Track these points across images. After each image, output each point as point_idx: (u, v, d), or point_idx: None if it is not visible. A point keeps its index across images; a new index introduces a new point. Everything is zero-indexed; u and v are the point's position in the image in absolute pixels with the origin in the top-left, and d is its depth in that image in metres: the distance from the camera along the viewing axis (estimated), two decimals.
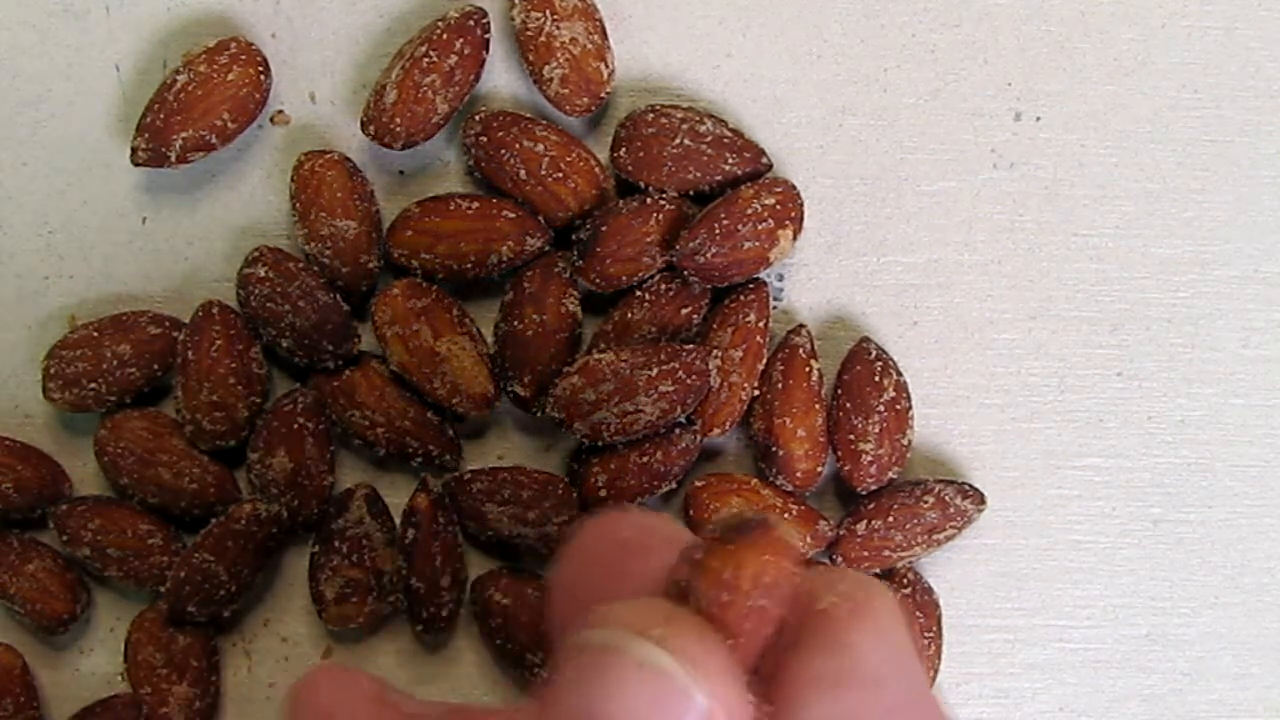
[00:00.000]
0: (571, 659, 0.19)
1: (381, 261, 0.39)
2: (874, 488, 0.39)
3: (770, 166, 0.39)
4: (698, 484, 0.39)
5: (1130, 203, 0.40)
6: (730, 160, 0.38)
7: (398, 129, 0.38)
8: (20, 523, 0.39)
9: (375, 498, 0.39)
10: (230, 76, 0.38)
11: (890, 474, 0.39)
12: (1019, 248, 0.40)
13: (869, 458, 0.38)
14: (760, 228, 0.38)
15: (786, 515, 0.38)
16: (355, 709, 0.23)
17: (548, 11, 0.38)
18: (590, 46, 0.38)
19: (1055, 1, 0.40)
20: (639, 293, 0.38)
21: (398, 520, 0.39)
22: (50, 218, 0.40)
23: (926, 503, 0.38)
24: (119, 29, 0.40)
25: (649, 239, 0.38)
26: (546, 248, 0.39)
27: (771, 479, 0.39)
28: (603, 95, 0.39)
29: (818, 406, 0.39)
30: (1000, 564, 0.40)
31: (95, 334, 0.38)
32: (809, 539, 0.38)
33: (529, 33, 0.38)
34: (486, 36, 0.38)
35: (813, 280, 0.40)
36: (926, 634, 0.39)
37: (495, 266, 0.38)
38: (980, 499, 0.39)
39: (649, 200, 0.38)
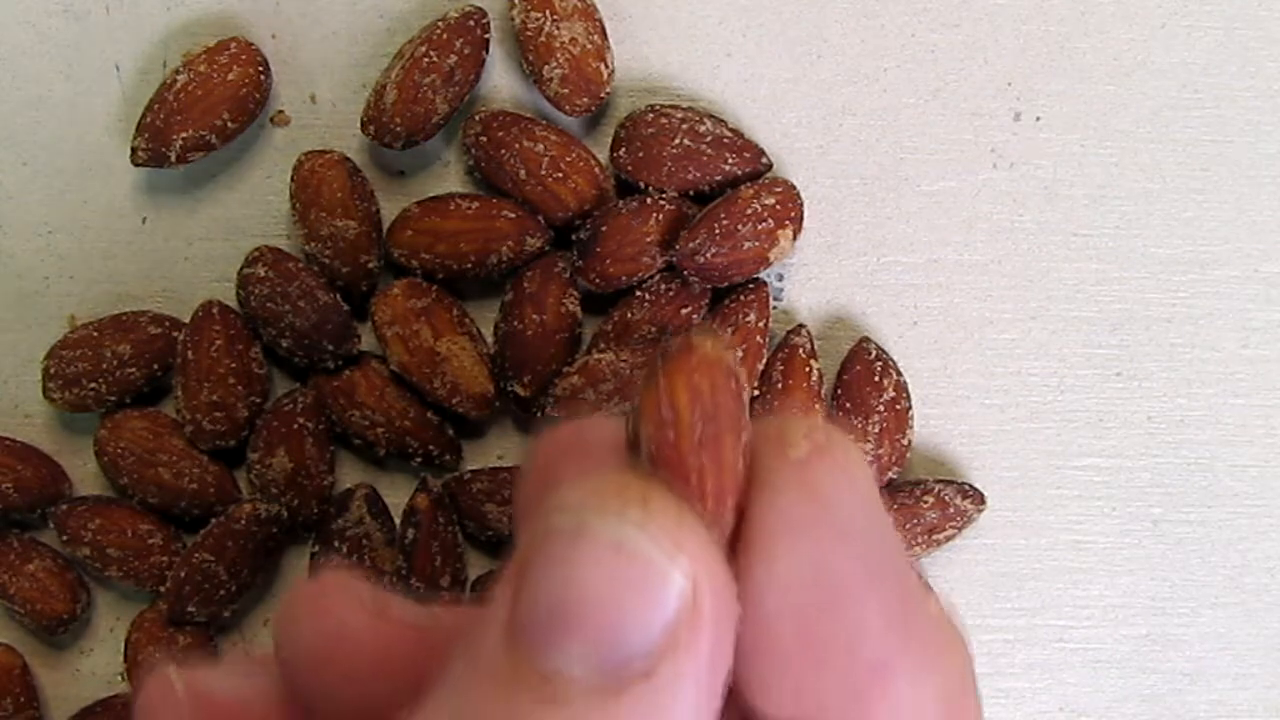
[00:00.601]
0: (541, 543, 0.18)
1: (381, 261, 0.39)
2: None
3: (770, 166, 0.39)
4: None
5: (1130, 203, 0.40)
6: (730, 160, 0.38)
7: (398, 129, 0.38)
8: (20, 523, 0.39)
9: (375, 498, 0.39)
10: (230, 76, 0.38)
11: (890, 474, 0.39)
12: (1019, 248, 0.40)
13: (869, 458, 0.38)
14: (760, 228, 0.38)
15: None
16: (353, 623, 0.22)
17: (548, 11, 0.38)
18: (590, 46, 0.38)
19: (1055, 1, 0.40)
20: (639, 293, 0.38)
21: (398, 520, 0.39)
22: (50, 218, 0.40)
23: (926, 503, 0.38)
24: (119, 29, 0.40)
25: (649, 239, 0.38)
26: (546, 248, 0.39)
27: None
28: (603, 95, 0.39)
29: (818, 406, 0.39)
30: (1000, 564, 0.40)
31: (95, 334, 0.38)
32: None
33: (529, 33, 0.38)
34: (486, 36, 0.38)
35: (813, 280, 0.40)
36: None
37: (495, 266, 0.38)
38: (980, 499, 0.39)
39: (649, 200, 0.38)
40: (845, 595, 0.19)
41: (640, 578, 0.18)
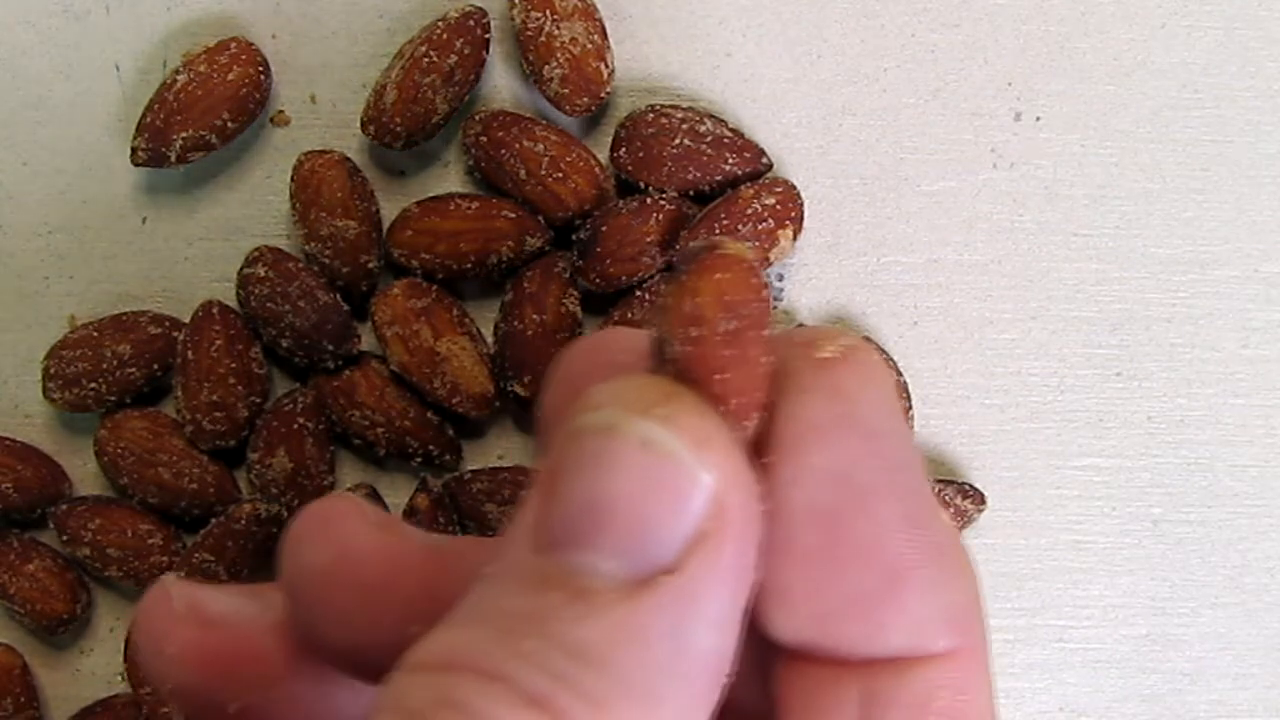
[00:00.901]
0: (569, 445, 0.19)
1: (381, 261, 0.39)
2: None
3: (770, 166, 0.39)
4: None
5: (1130, 203, 0.40)
6: (730, 160, 0.38)
7: (398, 129, 0.38)
8: (20, 523, 0.39)
9: (375, 498, 0.39)
10: (230, 76, 0.38)
11: None
12: (1019, 248, 0.40)
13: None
14: (760, 228, 0.38)
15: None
16: (362, 541, 0.22)
17: (548, 11, 0.38)
18: (590, 46, 0.38)
19: (1055, 1, 0.40)
20: (639, 293, 0.38)
21: None
22: (50, 218, 0.40)
23: None
24: (119, 29, 0.40)
25: (649, 239, 0.38)
26: (546, 248, 0.39)
27: None
28: (603, 95, 0.39)
29: None
30: (1000, 564, 0.40)
31: (95, 334, 0.38)
32: None
33: (529, 33, 0.38)
34: (486, 36, 0.38)
35: (813, 280, 0.40)
36: None
37: (495, 266, 0.38)
38: (980, 499, 0.39)
39: (649, 200, 0.38)
40: (867, 496, 0.19)
41: (668, 474, 0.18)
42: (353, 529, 0.22)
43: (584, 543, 0.18)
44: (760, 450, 0.19)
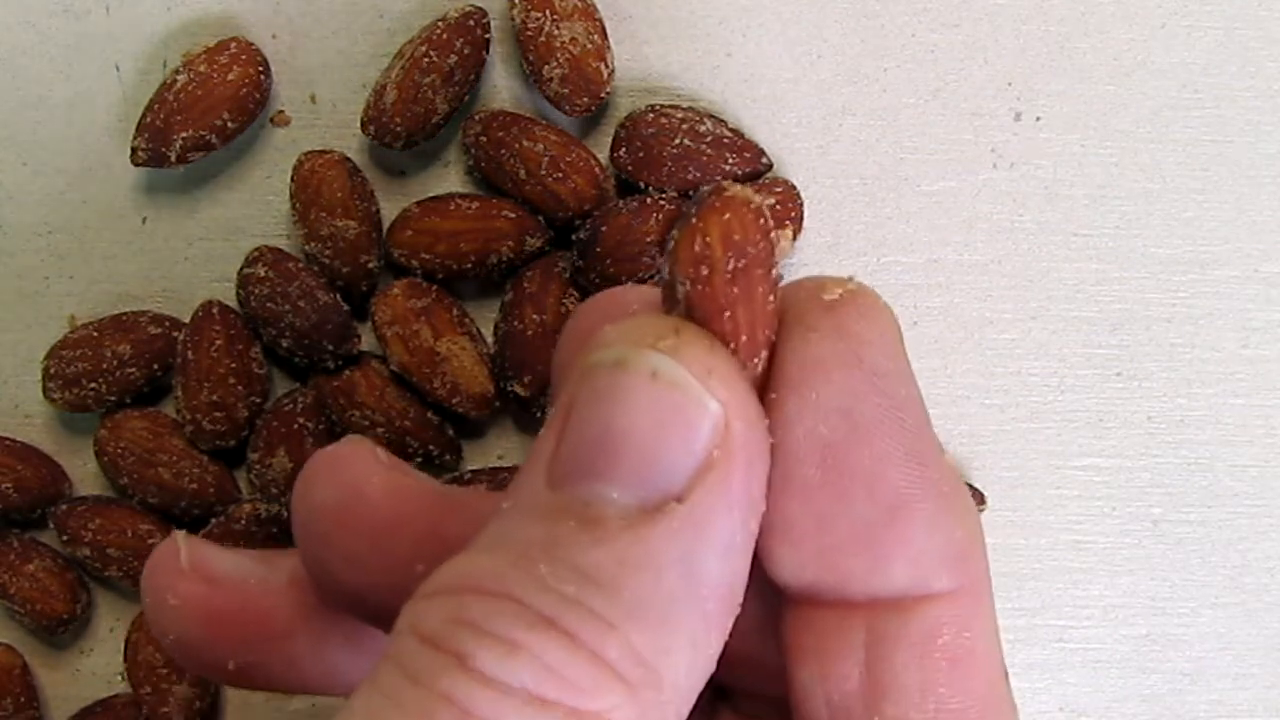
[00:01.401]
0: (581, 381, 0.19)
1: (381, 261, 0.39)
2: None
3: (770, 166, 0.39)
4: None
5: (1130, 203, 0.40)
6: (730, 160, 0.38)
7: (398, 129, 0.38)
8: (20, 523, 0.39)
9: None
10: (230, 76, 0.38)
11: None
12: (1019, 248, 0.40)
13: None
14: None
15: None
16: (372, 481, 0.23)
17: (548, 11, 0.38)
18: (590, 46, 0.38)
19: (1055, 1, 0.40)
20: None
21: None
22: (50, 218, 0.40)
23: None
24: (119, 29, 0.40)
25: (649, 239, 0.38)
26: (546, 248, 0.39)
27: None
28: (603, 95, 0.39)
29: None
30: (1000, 564, 0.40)
31: (95, 334, 0.38)
32: None
33: (529, 33, 0.38)
34: (486, 36, 0.38)
35: None
36: None
37: (495, 266, 0.38)
38: (980, 499, 0.39)
39: (649, 200, 0.38)
40: (871, 430, 0.19)
41: (675, 403, 0.19)
42: (363, 470, 0.23)
43: (596, 474, 0.19)
44: (766, 388, 0.20)
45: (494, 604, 0.18)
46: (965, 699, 0.20)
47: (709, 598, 0.19)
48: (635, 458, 0.19)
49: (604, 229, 0.38)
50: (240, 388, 0.38)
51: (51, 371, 0.38)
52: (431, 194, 0.39)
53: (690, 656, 0.19)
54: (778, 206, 0.38)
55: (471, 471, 0.39)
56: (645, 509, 0.18)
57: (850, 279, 0.21)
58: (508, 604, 0.18)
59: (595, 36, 0.38)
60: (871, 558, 0.20)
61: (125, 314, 0.39)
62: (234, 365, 0.38)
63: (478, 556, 0.19)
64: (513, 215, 0.38)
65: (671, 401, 0.19)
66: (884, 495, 0.20)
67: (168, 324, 0.39)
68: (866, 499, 0.20)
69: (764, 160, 0.39)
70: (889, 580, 0.20)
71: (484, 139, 0.38)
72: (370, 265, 0.39)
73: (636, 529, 0.18)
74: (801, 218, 0.39)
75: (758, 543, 0.20)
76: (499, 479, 0.38)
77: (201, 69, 0.38)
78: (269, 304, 0.38)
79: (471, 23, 0.38)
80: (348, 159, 0.39)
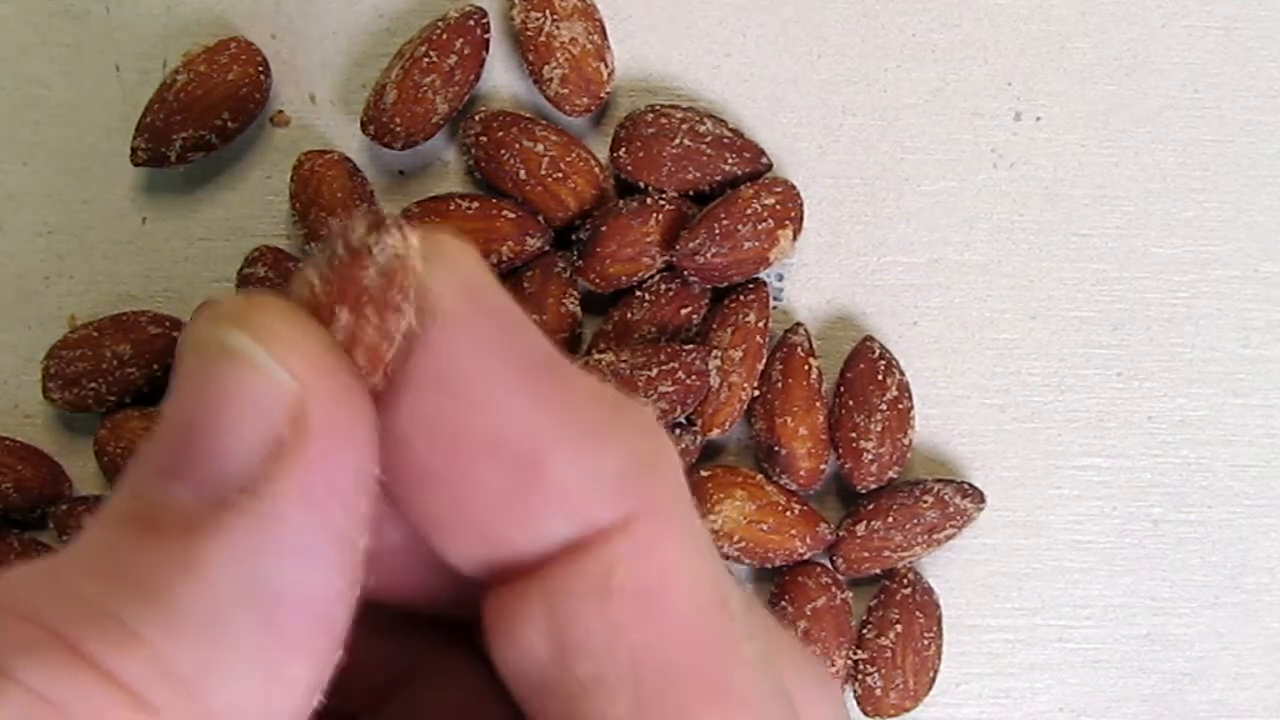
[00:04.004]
0: (174, 369, 0.17)
1: None
2: (874, 486, 0.39)
3: (770, 166, 0.39)
4: (703, 473, 0.39)
5: (1130, 203, 0.40)
6: (730, 160, 0.38)
7: (398, 129, 0.38)
8: (20, 523, 0.39)
9: None
10: (230, 76, 0.38)
11: (891, 473, 0.39)
12: (1019, 248, 0.40)
13: (870, 456, 0.38)
14: (760, 228, 0.38)
15: (788, 514, 0.38)
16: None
17: (548, 11, 0.38)
18: (590, 46, 0.38)
19: (1055, 1, 0.40)
20: (639, 293, 0.38)
21: None
22: (50, 218, 0.40)
23: (926, 502, 0.38)
24: (119, 29, 0.40)
25: (649, 239, 0.38)
26: (546, 248, 0.39)
27: (775, 479, 0.39)
28: (603, 95, 0.39)
29: (818, 405, 0.39)
30: (1000, 564, 0.40)
31: (95, 334, 0.38)
32: (809, 540, 0.38)
33: (529, 33, 0.38)
34: (486, 36, 0.38)
35: (813, 280, 0.40)
36: (926, 634, 0.39)
37: (495, 266, 0.38)
38: (980, 499, 0.39)
39: (649, 200, 0.38)
40: (472, 387, 0.17)
41: (237, 379, 0.16)
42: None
43: (156, 469, 0.16)
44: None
45: (18, 637, 0.15)
46: (664, 640, 0.17)
47: (284, 609, 0.16)
48: (198, 446, 0.16)
49: (604, 229, 0.38)
50: None
51: (51, 371, 0.38)
52: (431, 194, 0.39)
53: (259, 680, 0.16)
54: (778, 206, 0.38)
55: None
56: (209, 504, 0.16)
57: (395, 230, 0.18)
58: (20, 625, 0.15)
59: (595, 36, 0.38)
60: (519, 515, 0.17)
61: (125, 314, 0.39)
62: None
63: (20, 572, 0.16)
64: (513, 215, 0.38)
65: (238, 380, 0.16)
66: (510, 450, 0.17)
67: (168, 324, 0.39)
68: (492, 462, 0.17)
69: (764, 160, 0.39)
70: (548, 532, 0.17)
71: (484, 139, 0.38)
72: None
73: (197, 529, 0.16)
74: (801, 218, 0.39)
75: (422, 532, 0.18)
76: None
77: (201, 69, 0.38)
78: None
79: (471, 23, 0.38)
80: (348, 159, 0.39)
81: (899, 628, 0.38)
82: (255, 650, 0.16)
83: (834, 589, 0.39)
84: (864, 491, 0.39)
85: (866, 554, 0.39)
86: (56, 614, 0.15)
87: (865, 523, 0.38)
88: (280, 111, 0.40)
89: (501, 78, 0.40)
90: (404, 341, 0.17)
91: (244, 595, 0.16)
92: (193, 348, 0.17)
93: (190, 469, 0.16)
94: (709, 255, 0.37)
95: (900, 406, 0.39)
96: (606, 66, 0.39)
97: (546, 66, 0.38)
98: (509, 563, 0.17)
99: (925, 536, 0.39)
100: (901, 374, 0.39)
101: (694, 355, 0.37)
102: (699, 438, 0.38)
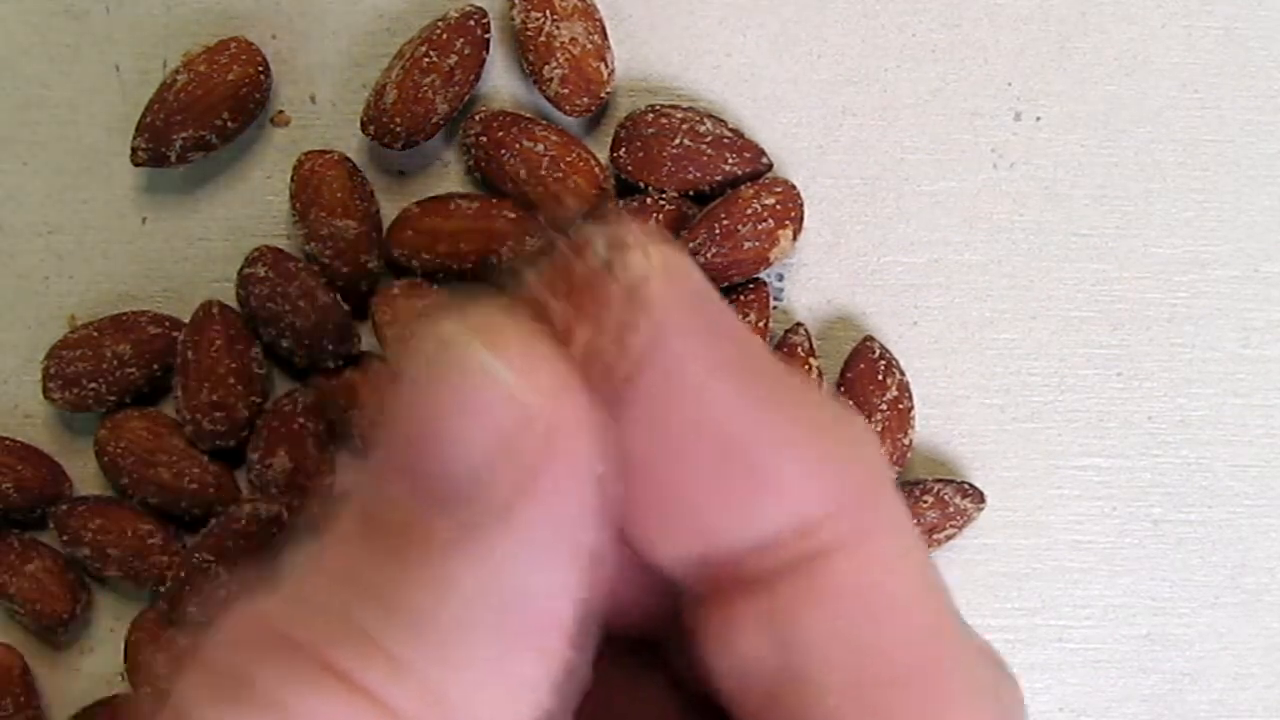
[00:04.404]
0: (402, 386, 0.17)
1: (381, 261, 0.39)
2: None
3: (770, 166, 0.39)
4: None
5: (1130, 203, 0.40)
6: (730, 160, 0.38)
7: (398, 129, 0.38)
8: (20, 523, 0.39)
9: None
10: (230, 76, 0.38)
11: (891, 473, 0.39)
12: (1019, 248, 0.40)
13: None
14: (760, 228, 0.38)
15: None
16: None
17: (548, 11, 0.38)
18: (590, 46, 0.38)
19: (1055, 1, 0.40)
20: None
21: None
22: (50, 218, 0.40)
23: (926, 502, 0.38)
24: (119, 29, 0.40)
25: None
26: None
27: None
28: (603, 95, 0.39)
29: None
30: (1000, 564, 0.40)
31: (95, 334, 0.38)
32: None
33: (529, 33, 0.38)
34: (486, 36, 0.38)
35: (813, 280, 0.40)
36: None
37: (495, 267, 0.38)
38: (980, 499, 0.39)
39: (649, 200, 0.38)
40: (701, 395, 0.17)
41: (489, 399, 0.16)
42: None
43: (410, 488, 0.17)
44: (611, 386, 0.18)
45: (277, 653, 0.16)
46: (888, 639, 0.18)
47: (527, 624, 0.17)
48: (445, 466, 0.16)
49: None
50: (240, 388, 0.38)
51: (51, 371, 0.38)
52: (431, 194, 0.39)
53: (502, 694, 0.16)
54: (778, 206, 0.38)
55: None
56: (458, 525, 0.16)
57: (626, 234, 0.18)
58: (294, 654, 0.16)
59: (595, 36, 0.38)
60: (739, 507, 0.17)
61: (125, 314, 0.39)
62: (234, 365, 0.38)
63: (278, 595, 0.17)
64: (513, 215, 0.38)
65: (489, 400, 0.16)
66: (729, 447, 0.17)
67: (168, 324, 0.39)
68: (713, 458, 0.17)
69: (764, 160, 0.39)
70: (766, 522, 0.17)
71: (484, 139, 0.38)
72: (370, 265, 0.39)
73: (442, 546, 0.16)
74: (801, 218, 0.39)
75: (637, 538, 0.18)
76: None
77: (201, 69, 0.38)
78: (269, 304, 0.38)
79: (471, 23, 0.38)
80: (348, 159, 0.39)
81: None
82: (500, 663, 0.17)
83: None
84: None
85: None
86: (317, 638, 0.16)
87: None
88: (280, 111, 0.40)
89: (501, 78, 0.40)
90: (639, 355, 0.18)
91: (491, 613, 0.16)
92: (437, 364, 0.17)
93: (438, 488, 0.16)
94: (709, 255, 0.37)
95: (900, 406, 0.39)
96: (606, 66, 0.39)
97: (546, 66, 0.38)
98: (722, 558, 0.18)
99: (925, 536, 0.39)
100: (901, 374, 0.39)
101: None
102: None
